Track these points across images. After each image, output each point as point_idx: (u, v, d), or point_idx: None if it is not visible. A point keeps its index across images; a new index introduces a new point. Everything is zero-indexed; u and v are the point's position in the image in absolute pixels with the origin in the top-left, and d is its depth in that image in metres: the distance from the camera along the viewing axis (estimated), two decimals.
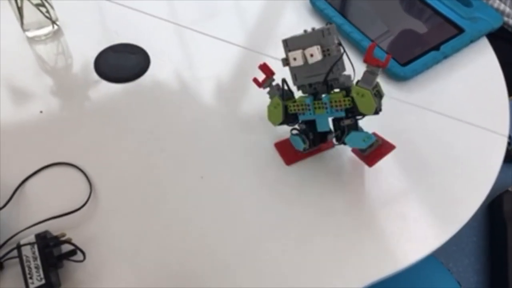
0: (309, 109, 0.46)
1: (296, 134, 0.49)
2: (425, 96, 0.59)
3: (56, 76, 0.59)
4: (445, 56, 0.61)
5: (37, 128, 0.53)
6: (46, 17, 0.60)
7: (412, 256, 0.45)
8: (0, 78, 0.58)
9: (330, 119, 0.46)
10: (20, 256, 0.40)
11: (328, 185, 0.50)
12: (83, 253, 0.42)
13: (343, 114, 0.44)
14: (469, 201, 0.49)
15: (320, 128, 0.47)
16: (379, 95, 0.43)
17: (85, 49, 0.61)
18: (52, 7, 0.61)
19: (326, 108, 0.44)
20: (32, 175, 0.49)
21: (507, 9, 0.92)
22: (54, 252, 0.41)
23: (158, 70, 0.60)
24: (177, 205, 0.48)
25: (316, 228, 0.47)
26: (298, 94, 0.48)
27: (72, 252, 0.42)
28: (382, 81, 0.55)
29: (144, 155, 0.51)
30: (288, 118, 0.49)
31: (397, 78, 0.59)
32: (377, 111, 0.42)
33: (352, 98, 0.43)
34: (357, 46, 0.62)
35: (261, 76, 0.48)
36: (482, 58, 0.63)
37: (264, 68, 0.48)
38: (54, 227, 0.44)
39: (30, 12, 0.58)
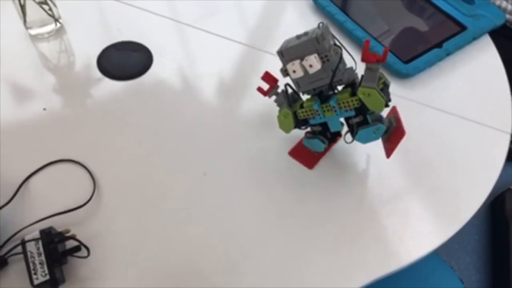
0: (319, 114, 0.45)
1: (312, 137, 0.48)
2: (427, 93, 0.59)
3: (59, 73, 0.59)
4: (448, 54, 0.61)
5: (41, 125, 0.53)
6: (49, 15, 0.60)
7: (415, 253, 0.45)
8: (3, 76, 0.58)
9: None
10: (24, 252, 0.40)
11: (330, 183, 0.50)
12: (88, 249, 0.42)
13: (353, 113, 0.44)
14: (471, 199, 0.49)
15: (333, 128, 0.47)
16: (385, 86, 0.43)
17: (87, 47, 0.61)
18: (55, 5, 0.61)
19: (335, 110, 0.44)
20: (36, 172, 0.49)
21: (509, 7, 0.92)
22: (59, 248, 0.41)
23: (161, 68, 0.60)
24: (180, 202, 0.48)
25: (319, 226, 0.47)
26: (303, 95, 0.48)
27: (77, 248, 0.42)
28: None
29: (147, 152, 0.52)
30: (299, 123, 0.48)
31: (400, 75, 0.59)
32: (387, 104, 0.42)
33: (360, 98, 0.42)
34: (359, 44, 0.62)
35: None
36: (485, 56, 0.63)
37: (267, 77, 0.46)
38: (58, 224, 0.45)
39: (33, 10, 0.58)
